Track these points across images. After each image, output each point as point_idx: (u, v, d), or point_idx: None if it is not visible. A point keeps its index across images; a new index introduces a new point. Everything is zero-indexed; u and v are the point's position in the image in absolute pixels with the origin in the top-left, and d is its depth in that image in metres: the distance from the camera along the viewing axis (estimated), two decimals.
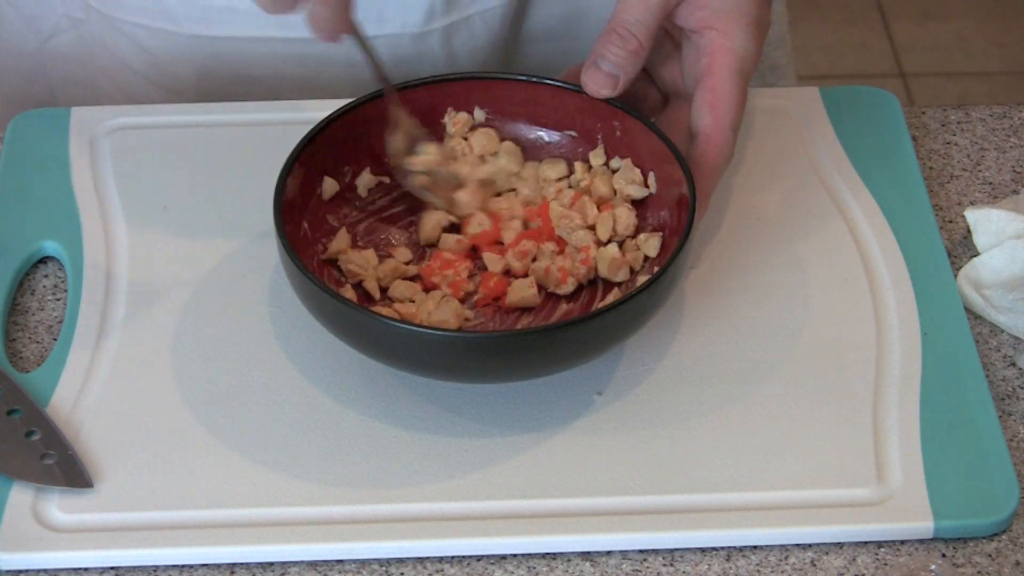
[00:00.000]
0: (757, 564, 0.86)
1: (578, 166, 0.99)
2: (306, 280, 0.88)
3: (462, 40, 1.14)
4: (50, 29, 1.17)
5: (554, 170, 1.00)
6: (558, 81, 0.99)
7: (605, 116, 0.98)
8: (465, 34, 1.14)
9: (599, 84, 0.96)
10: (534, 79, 0.99)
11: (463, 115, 1.00)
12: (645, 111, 1.00)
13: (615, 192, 0.97)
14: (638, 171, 0.97)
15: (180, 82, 1.16)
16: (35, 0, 1.16)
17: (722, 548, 0.87)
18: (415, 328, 0.87)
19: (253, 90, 1.13)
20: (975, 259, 0.98)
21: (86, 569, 0.86)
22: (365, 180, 0.99)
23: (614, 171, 0.98)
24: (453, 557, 0.86)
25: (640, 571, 0.86)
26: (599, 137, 0.99)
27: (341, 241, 0.96)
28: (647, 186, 0.97)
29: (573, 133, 1.00)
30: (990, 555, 0.87)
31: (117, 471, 0.89)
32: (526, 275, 0.96)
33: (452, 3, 1.12)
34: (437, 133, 1.01)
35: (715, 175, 0.94)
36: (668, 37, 0.99)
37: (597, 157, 0.99)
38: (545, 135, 1.01)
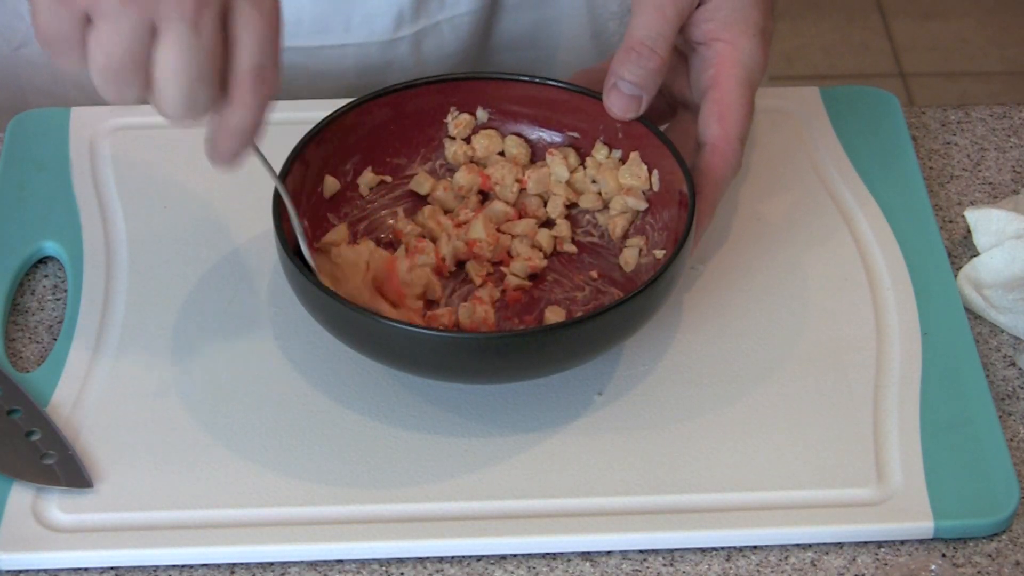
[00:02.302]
0: (757, 564, 0.86)
1: (588, 160, 1.00)
2: (305, 280, 0.88)
3: (431, 48, 1.14)
4: (20, 38, 1.16)
5: (564, 165, 0.99)
6: (560, 82, 0.99)
7: (607, 117, 0.98)
8: (434, 42, 1.13)
9: (624, 108, 0.95)
10: (536, 79, 0.99)
11: (465, 116, 1.00)
12: (653, 122, 1.00)
13: (621, 188, 0.98)
14: (645, 168, 0.97)
15: None
16: (4, 9, 1.15)
17: (722, 548, 0.87)
18: (414, 329, 0.87)
19: None
20: (975, 259, 0.98)
21: (86, 569, 0.86)
22: (367, 179, 0.99)
23: (621, 162, 0.99)
24: (453, 557, 0.86)
25: (640, 571, 0.86)
26: (601, 139, 0.99)
27: (338, 234, 0.96)
28: (651, 184, 0.97)
29: (575, 134, 1.00)
30: (990, 555, 0.87)
31: (117, 471, 0.89)
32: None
33: (420, 10, 1.12)
34: (439, 134, 1.01)
35: (721, 185, 0.94)
36: (674, 49, 0.99)
37: (600, 151, 0.99)
38: (547, 136, 1.01)
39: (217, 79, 0.80)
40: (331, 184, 0.98)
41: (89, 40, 0.78)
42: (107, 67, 0.79)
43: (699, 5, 0.95)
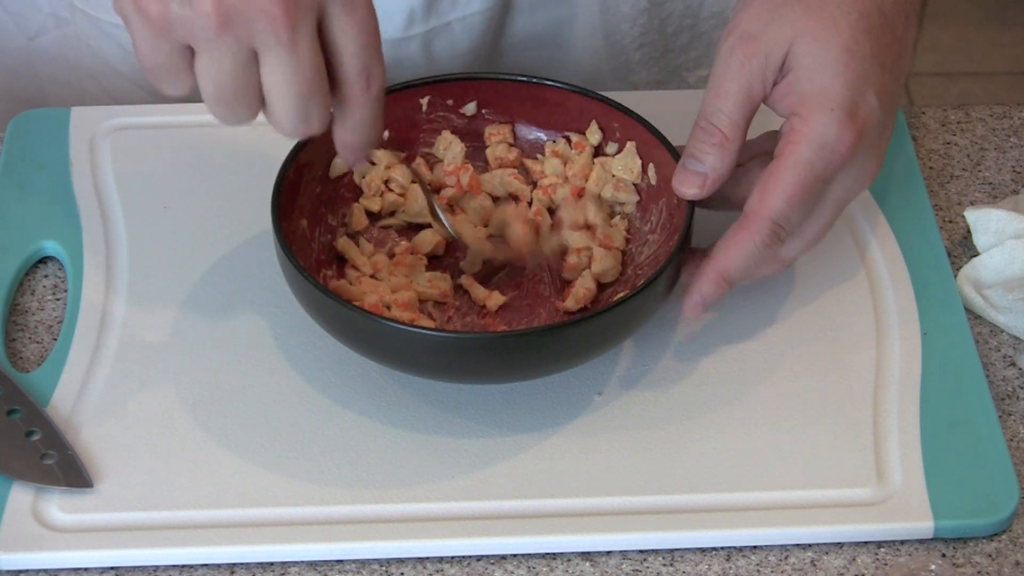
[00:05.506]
0: (757, 564, 0.86)
1: (577, 138, 1.00)
2: (303, 280, 0.88)
3: (442, 46, 1.13)
4: (36, 28, 1.17)
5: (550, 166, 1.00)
6: (558, 81, 0.99)
7: (607, 117, 0.98)
8: (446, 41, 1.13)
9: (684, 183, 0.90)
10: (534, 79, 0.99)
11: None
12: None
13: (611, 176, 0.98)
14: (639, 161, 0.97)
15: None
16: None
17: (722, 548, 0.87)
18: (413, 329, 0.86)
19: None
20: (975, 259, 0.98)
21: (86, 569, 0.86)
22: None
23: (613, 155, 0.99)
24: (453, 557, 0.86)
25: (640, 571, 0.86)
26: (595, 123, 0.99)
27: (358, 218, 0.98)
28: (649, 179, 0.97)
29: (571, 134, 1.00)
30: (990, 555, 0.87)
31: (117, 471, 0.89)
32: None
33: (432, 9, 1.12)
34: (429, 136, 1.01)
35: (736, 258, 0.89)
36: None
37: (593, 134, 0.99)
38: (544, 135, 1.01)
39: (326, 89, 0.82)
40: (339, 167, 0.98)
41: (196, 68, 0.80)
42: (216, 95, 0.81)
43: (783, 78, 0.89)
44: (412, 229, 0.99)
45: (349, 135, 0.85)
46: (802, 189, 0.88)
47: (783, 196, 0.87)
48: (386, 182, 0.99)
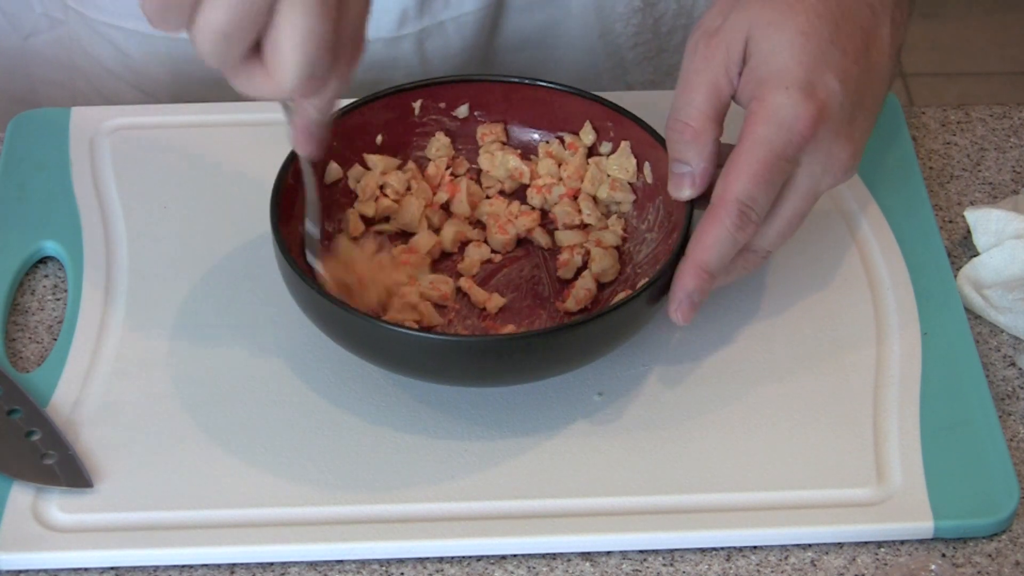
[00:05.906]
0: (757, 564, 0.86)
1: (571, 138, 1.00)
2: (302, 284, 0.88)
3: (435, 46, 1.13)
4: (30, 28, 1.16)
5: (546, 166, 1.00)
6: (551, 82, 0.99)
7: (600, 117, 0.98)
8: (439, 40, 1.13)
9: (676, 187, 0.91)
10: (526, 80, 0.99)
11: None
12: None
13: (607, 176, 0.98)
14: (633, 161, 0.97)
15: (154, 84, 1.15)
16: None
17: (722, 548, 0.87)
18: (412, 333, 0.86)
19: (227, 93, 1.12)
20: (975, 259, 0.98)
21: (86, 569, 0.86)
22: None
23: (608, 155, 0.99)
24: (453, 557, 0.86)
25: (640, 571, 0.86)
26: (590, 124, 0.99)
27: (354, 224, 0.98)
28: (645, 178, 0.97)
29: (566, 135, 1.00)
30: (990, 555, 0.87)
31: (117, 471, 0.89)
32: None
33: (425, 9, 1.12)
34: (421, 140, 1.01)
35: (710, 246, 0.88)
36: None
37: (587, 135, 0.99)
38: (538, 136, 1.01)
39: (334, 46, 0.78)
40: (334, 171, 0.98)
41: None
42: (227, 24, 0.75)
43: (745, 67, 0.89)
44: (406, 236, 0.99)
45: (319, 111, 0.82)
46: (764, 167, 0.87)
47: (745, 176, 0.87)
48: (381, 187, 0.99)
